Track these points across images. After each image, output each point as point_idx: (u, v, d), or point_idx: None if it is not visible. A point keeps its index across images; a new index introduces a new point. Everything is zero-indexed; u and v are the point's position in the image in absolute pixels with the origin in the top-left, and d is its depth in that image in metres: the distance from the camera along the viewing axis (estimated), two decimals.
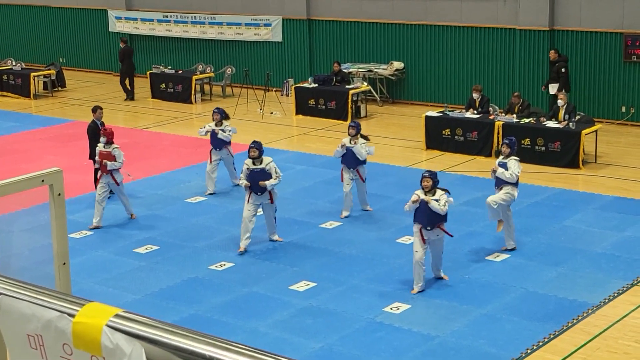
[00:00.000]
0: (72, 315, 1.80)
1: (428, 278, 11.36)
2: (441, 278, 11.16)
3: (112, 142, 13.58)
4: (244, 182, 12.20)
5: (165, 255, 12.33)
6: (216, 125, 14.83)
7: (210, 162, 14.90)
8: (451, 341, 9.71)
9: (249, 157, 12.25)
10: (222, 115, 14.86)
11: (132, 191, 15.33)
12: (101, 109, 15.21)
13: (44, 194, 3.86)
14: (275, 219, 12.59)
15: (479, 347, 9.55)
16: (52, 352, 1.85)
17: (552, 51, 18.75)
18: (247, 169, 12.16)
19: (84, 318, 1.78)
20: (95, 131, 14.87)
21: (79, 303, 1.82)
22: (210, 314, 10.56)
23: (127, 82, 23.18)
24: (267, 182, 12.09)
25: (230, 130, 14.86)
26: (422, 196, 10.66)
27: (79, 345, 1.79)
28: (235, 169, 15.01)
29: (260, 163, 12.19)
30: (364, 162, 13.62)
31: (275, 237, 12.67)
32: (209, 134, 14.82)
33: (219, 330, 9.99)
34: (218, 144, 14.81)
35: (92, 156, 14.93)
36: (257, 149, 12.25)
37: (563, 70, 18.28)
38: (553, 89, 18.42)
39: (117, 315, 1.76)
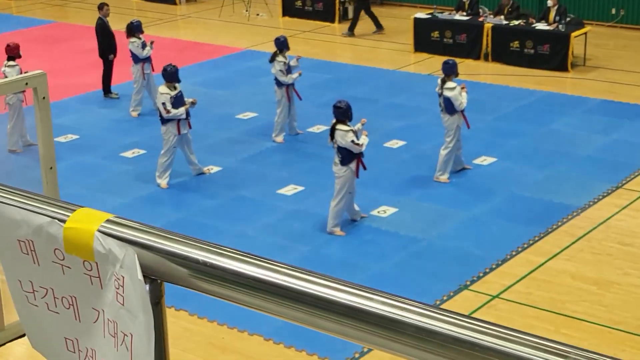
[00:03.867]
0: (63, 221, 1.77)
1: (414, 178, 11.43)
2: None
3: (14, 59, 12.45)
4: (182, 108, 11.21)
5: (152, 160, 12.26)
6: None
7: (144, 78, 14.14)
8: (437, 244, 9.84)
9: (165, 86, 11.32)
10: (128, 31, 14.04)
11: (118, 94, 15.17)
12: (107, 5, 14.89)
13: (28, 98, 3.80)
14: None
15: (465, 249, 9.69)
16: (43, 257, 1.84)
17: None
18: (171, 97, 11.21)
19: (75, 223, 1.76)
20: (104, 28, 14.63)
21: (70, 208, 1.79)
22: (198, 217, 10.61)
23: None
24: (191, 100, 11.42)
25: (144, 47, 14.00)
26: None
27: (70, 251, 1.78)
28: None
29: (175, 89, 11.33)
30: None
31: (205, 169, 11.86)
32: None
33: (208, 234, 10.07)
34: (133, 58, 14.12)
35: (101, 54, 14.73)
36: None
37: None
38: None
39: (108, 221, 1.74)
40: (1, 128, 13.22)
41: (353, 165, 9.93)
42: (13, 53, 12.57)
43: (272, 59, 12.82)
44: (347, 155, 9.88)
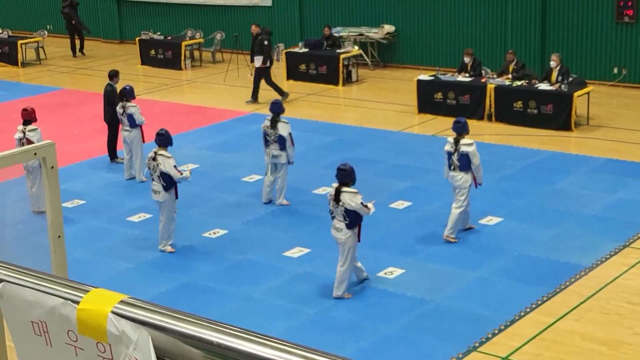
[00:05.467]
0: (76, 302, 1.79)
1: (420, 239, 11.41)
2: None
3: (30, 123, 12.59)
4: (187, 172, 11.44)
5: (158, 224, 12.30)
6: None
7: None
8: (445, 305, 9.78)
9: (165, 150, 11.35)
10: (122, 95, 14.14)
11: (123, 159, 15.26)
12: (119, 74, 15.11)
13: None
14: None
15: (473, 310, 9.62)
16: (56, 339, 1.84)
17: (253, 25, 18.95)
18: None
19: (88, 305, 1.77)
20: (114, 96, 14.76)
21: (83, 289, 1.81)
22: (204, 281, 10.58)
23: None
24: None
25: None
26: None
27: (84, 332, 1.78)
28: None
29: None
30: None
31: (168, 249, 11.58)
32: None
33: (214, 297, 10.04)
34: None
35: (106, 119, 14.84)
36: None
37: (266, 42, 18.44)
38: (258, 61, 18.59)
39: (122, 302, 1.75)
40: (11, 195, 13.28)
41: (356, 229, 9.88)
42: (30, 117, 12.75)
43: (274, 124, 12.69)
44: (355, 218, 9.82)
